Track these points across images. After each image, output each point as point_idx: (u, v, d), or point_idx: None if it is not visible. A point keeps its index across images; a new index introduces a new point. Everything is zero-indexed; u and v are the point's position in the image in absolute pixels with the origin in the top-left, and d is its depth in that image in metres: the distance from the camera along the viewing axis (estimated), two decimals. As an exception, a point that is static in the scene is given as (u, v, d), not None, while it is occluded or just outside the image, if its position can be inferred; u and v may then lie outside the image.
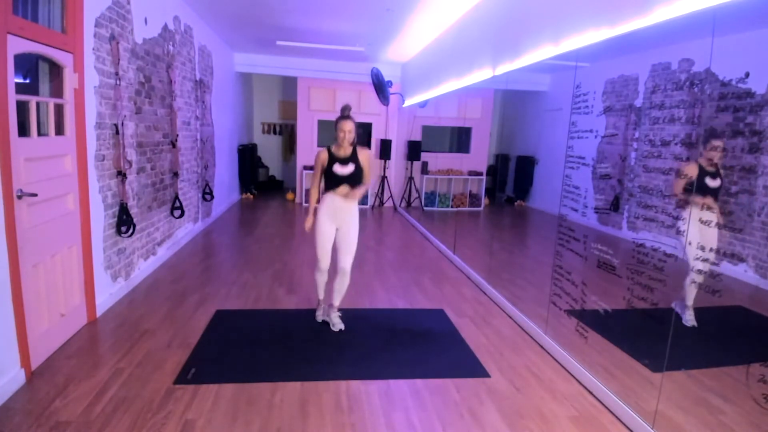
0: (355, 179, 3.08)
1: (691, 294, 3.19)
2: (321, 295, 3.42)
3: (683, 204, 3.00)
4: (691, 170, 2.99)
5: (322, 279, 3.34)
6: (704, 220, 2.98)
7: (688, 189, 3.02)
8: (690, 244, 3.07)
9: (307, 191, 9.03)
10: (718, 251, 3.11)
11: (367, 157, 3.14)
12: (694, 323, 3.20)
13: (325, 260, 3.21)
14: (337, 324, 3.28)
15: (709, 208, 3.01)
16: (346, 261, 3.20)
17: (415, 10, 5.15)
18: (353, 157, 3.07)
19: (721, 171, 3.08)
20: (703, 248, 3.04)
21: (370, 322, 3.37)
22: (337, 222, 3.15)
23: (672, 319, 3.10)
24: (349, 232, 3.16)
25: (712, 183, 3.02)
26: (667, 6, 2.23)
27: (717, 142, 2.97)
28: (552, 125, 6.52)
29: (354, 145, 3.09)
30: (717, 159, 2.99)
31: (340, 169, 3.04)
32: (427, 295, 4.13)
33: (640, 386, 2.63)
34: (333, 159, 3.05)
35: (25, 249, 2.46)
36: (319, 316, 3.41)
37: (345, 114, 3.03)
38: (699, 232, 3.03)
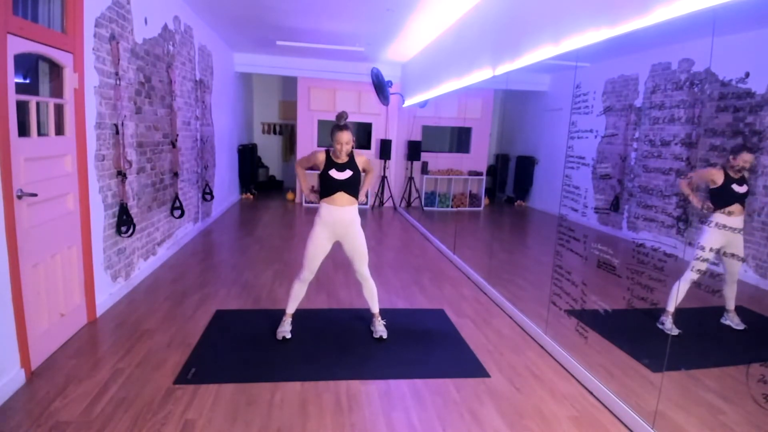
0: (351, 185, 2.97)
1: (731, 298, 3.19)
2: (290, 309, 3.16)
3: (702, 207, 2.99)
4: (717, 176, 2.96)
5: (300, 291, 3.13)
6: (731, 226, 2.97)
7: (715, 196, 2.99)
8: (733, 255, 3.08)
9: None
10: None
11: (364, 159, 3.04)
12: (678, 330, 3.16)
13: (310, 270, 3.05)
14: (380, 331, 3.19)
15: (734, 214, 2.97)
16: (362, 269, 3.12)
17: (415, 10, 5.15)
18: (351, 164, 2.96)
19: (747, 177, 3.04)
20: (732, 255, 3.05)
21: (370, 323, 3.36)
22: (337, 236, 3.03)
23: (672, 319, 3.11)
24: (356, 242, 3.05)
25: (740, 189, 2.98)
26: (667, 6, 2.23)
27: (748, 157, 2.92)
28: (552, 125, 6.52)
29: (351, 153, 2.98)
30: (744, 171, 2.95)
31: (336, 174, 2.92)
32: (427, 295, 4.13)
33: (640, 386, 2.63)
34: (330, 163, 2.94)
35: (25, 249, 2.46)
36: (281, 333, 3.10)
37: (341, 124, 2.86)
38: (725, 239, 3.03)
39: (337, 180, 2.92)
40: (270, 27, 6.29)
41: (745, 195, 3.01)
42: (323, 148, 3.00)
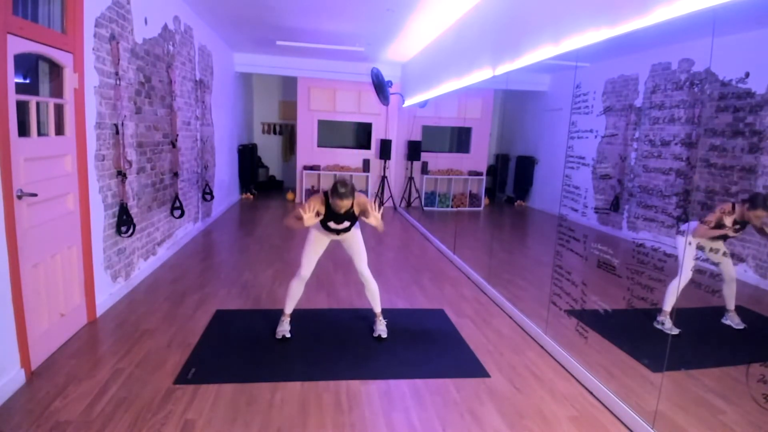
0: (348, 229, 3.03)
1: (730, 298, 3.22)
2: (288, 309, 3.16)
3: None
4: (727, 219, 2.98)
5: (297, 289, 3.12)
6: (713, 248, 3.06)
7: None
8: (717, 251, 3.10)
9: (307, 194, 9.03)
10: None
11: (362, 202, 2.93)
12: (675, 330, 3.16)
13: (307, 268, 3.07)
14: (379, 330, 3.19)
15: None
16: (362, 267, 3.15)
17: (415, 10, 5.15)
18: (349, 215, 2.93)
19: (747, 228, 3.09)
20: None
21: (370, 322, 3.36)
22: (334, 237, 3.10)
23: (672, 319, 3.11)
24: (354, 244, 3.11)
25: (735, 234, 3.04)
26: (667, 6, 2.23)
27: (762, 213, 2.93)
28: (552, 125, 6.52)
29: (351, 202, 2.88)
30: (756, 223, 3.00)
31: (335, 226, 2.96)
32: (427, 295, 4.13)
33: (640, 386, 2.63)
34: (329, 213, 2.90)
35: (25, 249, 2.46)
36: (280, 332, 3.11)
37: (341, 192, 2.72)
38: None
39: (335, 229, 3.00)
40: (270, 27, 6.29)
41: (736, 235, 3.07)
42: (321, 193, 2.91)
